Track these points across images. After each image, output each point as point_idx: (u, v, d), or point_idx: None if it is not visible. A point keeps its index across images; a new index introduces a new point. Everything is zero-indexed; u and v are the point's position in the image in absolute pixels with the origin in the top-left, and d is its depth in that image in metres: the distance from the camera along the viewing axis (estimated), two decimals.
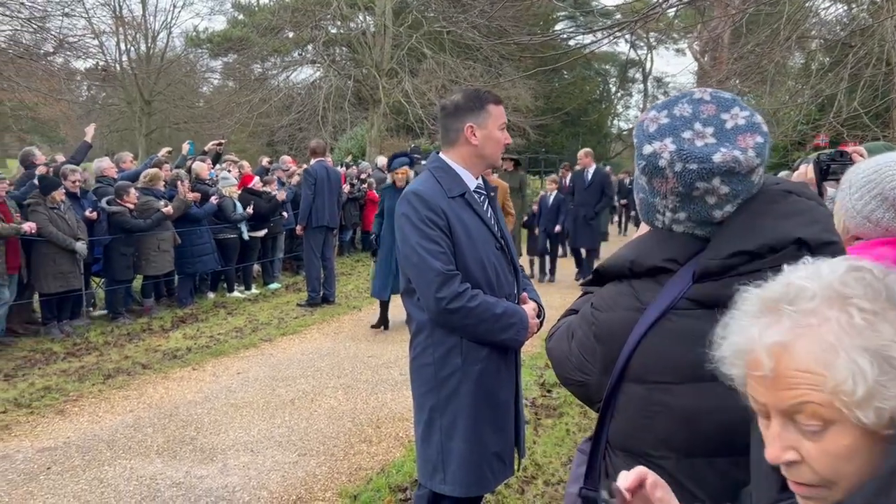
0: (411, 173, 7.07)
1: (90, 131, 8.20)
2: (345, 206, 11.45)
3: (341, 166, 13.48)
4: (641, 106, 37.88)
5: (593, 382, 1.36)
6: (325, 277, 8.74)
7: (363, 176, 13.02)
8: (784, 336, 0.80)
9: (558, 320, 1.56)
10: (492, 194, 2.58)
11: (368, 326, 7.57)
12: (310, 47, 22.74)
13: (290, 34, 23.08)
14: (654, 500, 1.01)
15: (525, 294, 2.56)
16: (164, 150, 9.98)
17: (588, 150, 10.89)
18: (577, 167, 10.95)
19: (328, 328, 7.01)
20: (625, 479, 1.01)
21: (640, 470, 1.03)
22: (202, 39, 26.93)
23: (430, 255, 2.29)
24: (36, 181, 7.33)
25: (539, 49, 19.30)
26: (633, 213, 15.54)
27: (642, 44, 35.15)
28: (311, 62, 22.91)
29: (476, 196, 2.47)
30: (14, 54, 17.59)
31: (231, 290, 9.57)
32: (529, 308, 2.49)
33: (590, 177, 10.44)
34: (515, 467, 2.59)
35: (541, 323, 2.56)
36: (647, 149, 1.26)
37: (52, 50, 20.81)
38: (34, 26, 18.77)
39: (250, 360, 6.43)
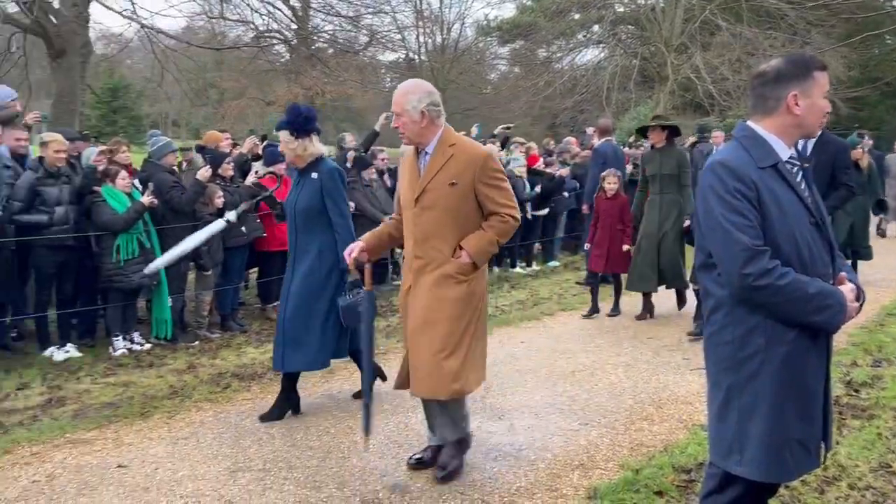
0: (300, 143, 4.35)
1: (381, 120, 9.03)
2: (626, 187, 11.29)
3: (624, 146, 13.30)
4: None
5: None
6: None
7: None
8: None
9: None
10: (806, 165, 2.41)
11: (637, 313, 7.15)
12: (596, 28, 22.67)
13: (577, 16, 23.18)
14: None
15: (843, 275, 2.36)
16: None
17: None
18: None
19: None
20: None
21: None
22: (492, 28, 28.18)
23: (736, 228, 2.21)
24: (349, 163, 8.36)
25: (856, 12, 17.09)
26: None
27: None
28: (596, 43, 22.83)
29: (789, 167, 2.33)
30: (337, 50, 19.92)
31: (514, 265, 10.04)
32: (847, 290, 2.29)
33: (808, 148, 5.66)
34: (821, 461, 2.42)
35: (860, 307, 2.35)
36: None
37: (362, 46, 23.34)
38: (351, 25, 21.21)
39: (532, 332, 6.72)
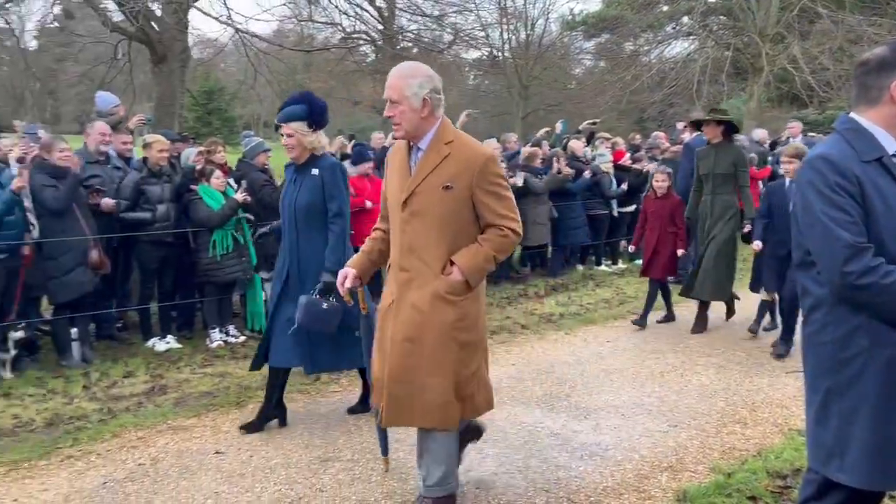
0: (316, 136, 4.12)
1: (462, 118, 9.04)
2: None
3: None
4: None
5: None
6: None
7: None
8: None
9: None
10: None
11: (735, 315, 6.67)
12: (685, 19, 21.99)
13: (665, 8, 22.58)
14: None
15: None
16: (542, 131, 10.76)
17: None
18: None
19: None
20: None
21: None
22: (577, 22, 27.78)
23: (837, 224, 2.12)
24: None
25: None
26: None
27: None
28: (685, 35, 22.16)
29: (895, 160, 2.21)
30: (421, 49, 20.13)
31: (599, 263, 9.89)
32: None
33: None
34: None
35: None
36: None
37: (446, 45, 23.49)
38: (435, 24, 21.39)
39: (618, 331, 6.60)
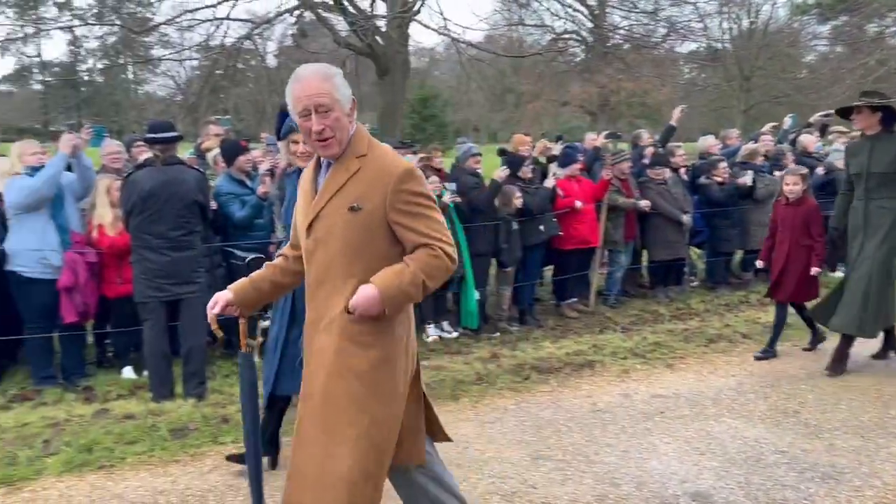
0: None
1: (676, 114, 8.67)
2: None
3: None
4: None
5: None
6: None
7: None
8: None
9: None
10: None
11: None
12: None
13: None
14: None
15: None
16: (768, 126, 10.01)
17: None
18: None
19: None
20: None
21: None
22: (809, 5, 25.48)
23: None
24: (646, 159, 8.22)
25: None
26: None
27: None
28: None
29: None
30: (633, 45, 19.67)
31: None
32: None
33: None
34: None
35: None
36: None
37: (660, 39, 22.68)
38: (648, 18, 20.75)
39: (858, 345, 5.94)
